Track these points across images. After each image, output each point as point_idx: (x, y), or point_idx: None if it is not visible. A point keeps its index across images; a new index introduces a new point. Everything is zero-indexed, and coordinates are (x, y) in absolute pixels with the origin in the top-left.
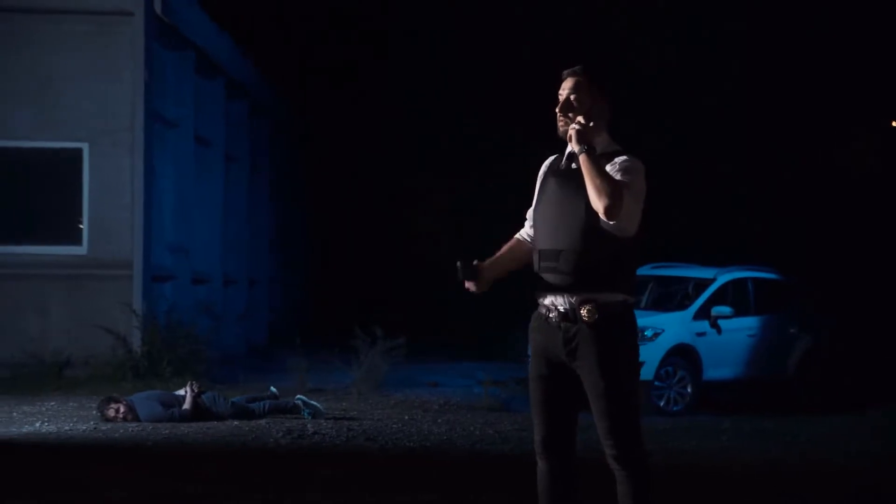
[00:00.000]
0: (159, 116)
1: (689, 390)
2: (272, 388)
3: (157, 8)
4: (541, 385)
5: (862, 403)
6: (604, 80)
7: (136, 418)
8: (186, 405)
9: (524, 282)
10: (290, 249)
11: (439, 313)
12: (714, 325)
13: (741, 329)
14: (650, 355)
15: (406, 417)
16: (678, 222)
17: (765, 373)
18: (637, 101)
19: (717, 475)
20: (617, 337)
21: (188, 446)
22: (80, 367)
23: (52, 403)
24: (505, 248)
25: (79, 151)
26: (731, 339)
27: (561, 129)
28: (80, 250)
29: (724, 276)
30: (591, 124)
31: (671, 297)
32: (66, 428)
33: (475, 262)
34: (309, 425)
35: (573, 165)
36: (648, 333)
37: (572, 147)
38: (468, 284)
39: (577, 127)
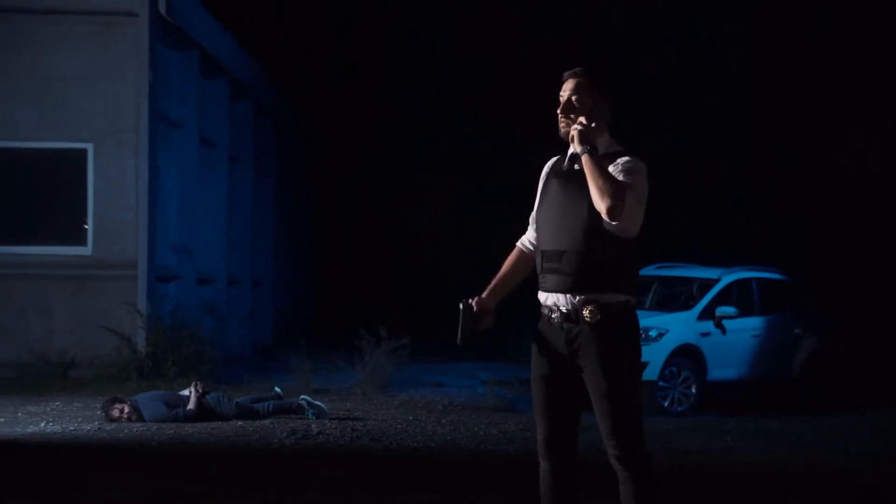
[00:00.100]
0: (163, 117)
1: (693, 390)
2: (276, 389)
3: (162, 8)
4: (543, 385)
5: (864, 403)
6: (604, 80)
7: (141, 418)
8: (191, 405)
9: (526, 282)
10: (295, 249)
11: (442, 313)
12: (718, 325)
13: (746, 329)
14: (654, 356)
15: (410, 418)
16: (678, 222)
17: (769, 373)
18: (637, 101)
19: (721, 475)
20: (619, 337)
21: (192, 446)
22: (85, 367)
23: (57, 403)
24: (507, 264)
25: (83, 152)
26: (735, 340)
27: (562, 130)
28: (85, 251)
29: (728, 277)
30: (593, 125)
31: (675, 297)
32: (71, 428)
33: (473, 301)
34: (313, 425)
35: (575, 166)
36: (653, 334)
37: (574, 148)
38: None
39: (578, 128)
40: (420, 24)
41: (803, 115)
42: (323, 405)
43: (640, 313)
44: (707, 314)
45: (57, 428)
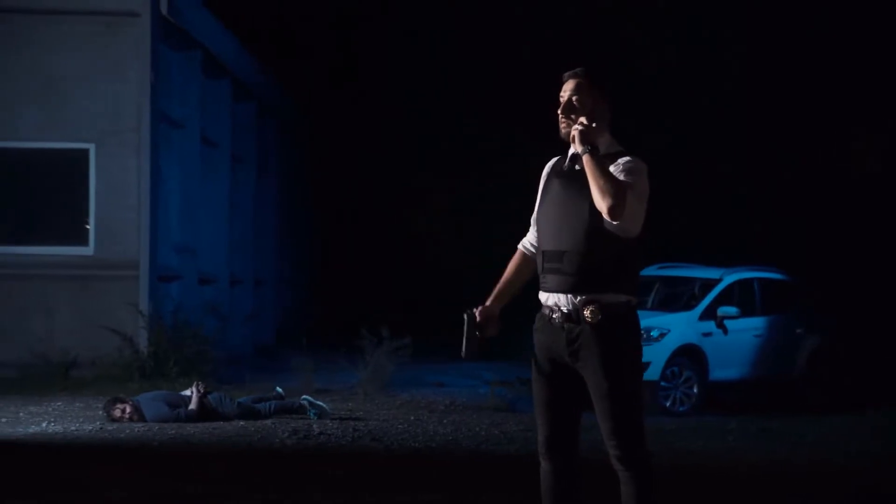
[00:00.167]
0: (165, 117)
1: (695, 391)
2: (278, 389)
3: (164, 9)
4: (544, 385)
5: (866, 403)
6: (604, 81)
7: (143, 419)
8: (192, 405)
9: (528, 282)
10: (297, 249)
11: (444, 313)
12: (720, 325)
13: (747, 329)
14: (656, 356)
15: (412, 418)
16: (678, 222)
17: (771, 373)
18: (637, 101)
19: (723, 476)
20: (620, 338)
21: (194, 447)
22: (87, 367)
23: (59, 404)
24: (510, 267)
25: (85, 152)
26: (737, 340)
27: (563, 130)
28: (87, 251)
29: (730, 277)
30: (594, 125)
31: (677, 297)
32: (73, 428)
33: (477, 311)
34: (315, 426)
35: (576, 167)
36: (654, 334)
37: (575, 148)
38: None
39: (579, 128)
40: (422, 24)
41: (803, 115)
42: (324, 405)
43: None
44: (709, 314)
45: (58, 428)
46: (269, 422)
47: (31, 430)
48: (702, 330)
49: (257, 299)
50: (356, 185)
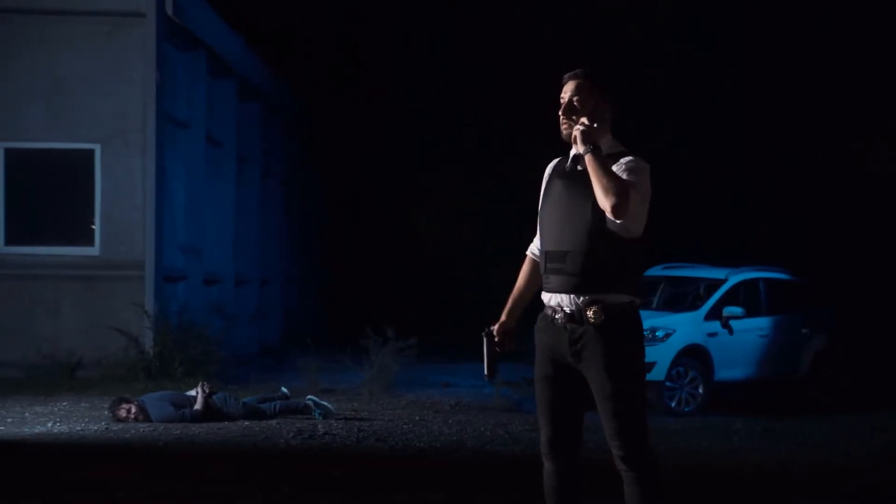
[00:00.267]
0: (171, 117)
1: (700, 391)
2: (283, 389)
3: (169, 9)
4: (547, 386)
5: (872, 403)
6: (605, 82)
7: (148, 419)
8: (198, 406)
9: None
10: (302, 249)
11: (450, 313)
12: (725, 325)
13: (753, 329)
14: (661, 356)
15: (417, 418)
16: (679, 223)
17: (777, 373)
18: (638, 101)
19: (728, 476)
20: (623, 338)
21: (199, 447)
22: (92, 367)
23: (65, 404)
24: (521, 277)
25: (91, 152)
26: (742, 340)
27: (564, 132)
28: (93, 251)
29: (735, 277)
30: (595, 125)
31: (682, 297)
32: (78, 428)
33: (494, 329)
34: (319, 426)
35: (578, 167)
36: (660, 334)
37: (577, 148)
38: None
39: (581, 128)
40: (426, 25)
41: (804, 115)
42: (329, 405)
43: (646, 313)
44: (714, 314)
45: (64, 428)
46: (273, 422)
47: (36, 430)
48: (707, 330)
49: (263, 299)
50: (361, 184)
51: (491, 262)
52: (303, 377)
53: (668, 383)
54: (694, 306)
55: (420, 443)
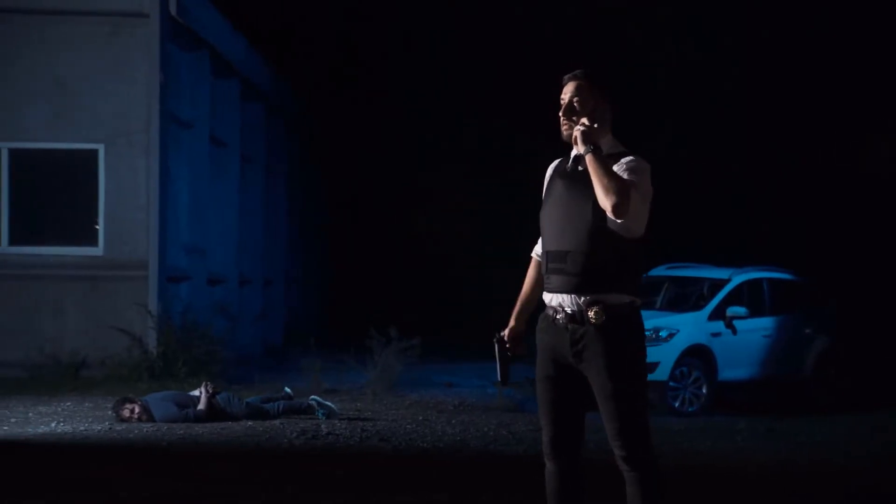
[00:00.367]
0: (174, 117)
1: (704, 391)
2: (287, 389)
3: (172, 9)
4: (548, 386)
5: (875, 403)
6: (605, 82)
7: (151, 419)
8: (201, 406)
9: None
10: (306, 249)
11: (454, 313)
12: (729, 325)
13: (756, 329)
14: (665, 356)
15: (420, 418)
16: (680, 223)
17: (780, 373)
18: (637, 101)
19: (730, 476)
20: (624, 338)
21: (202, 447)
22: (96, 367)
23: (68, 404)
24: (527, 281)
25: (94, 152)
26: (746, 340)
27: (565, 132)
28: (96, 251)
29: (739, 277)
30: (595, 125)
31: (686, 297)
32: (82, 428)
33: (505, 334)
34: (323, 426)
35: (579, 167)
36: (663, 334)
37: (578, 149)
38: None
39: (581, 128)
40: (425, 24)
41: (804, 115)
42: (333, 405)
43: (650, 313)
44: (718, 314)
45: (68, 428)
46: (277, 422)
47: (40, 430)
48: (711, 330)
49: (266, 299)
50: (362, 184)
51: (491, 262)
52: (306, 377)
53: (671, 383)
54: (697, 306)
55: (423, 443)
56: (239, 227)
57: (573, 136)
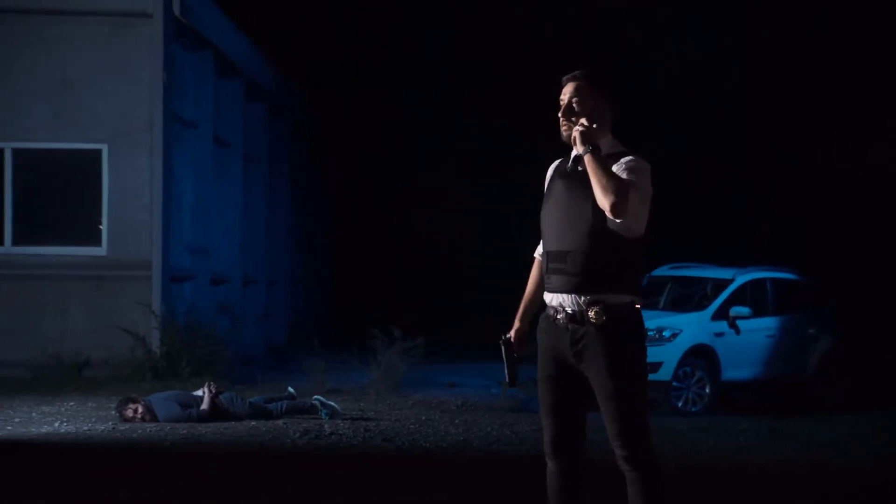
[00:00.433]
0: (178, 117)
1: (707, 391)
2: (290, 389)
3: (176, 9)
4: (549, 386)
5: (879, 403)
6: (604, 82)
7: (155, 418)
8: (204, 405)
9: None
10: (309, 249)
11: (457, 313)
12: (732, 325)
13: (760, 329)
14: (668, 356)
15: (423, 418)
16: (680, 223)
17: (784, 373)
18: (637, 101)
19: (731, 476)
20: (624, 338)
21: (205, 446)
22: (100, 367)
23: (72, 404)
24: (530, 282)
25: (98, 152)
26: (749, 340)
27: (564, 133)
28: (100, 251)
29: (742, 277)
30: (594, 126)
31: (689, 297)
32: (85, 428)
33: (511, 335)
34: (326, 426)
35: (579, 167)
36: (667, 334)
37: (577, 149)
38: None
39: (580, 128)
40: (431, 25)
41: (804, 115)
42: (336, 405)
43: (654, 313)
44: (721, 314)
45: (71, 428)
46: (280, 422)
47: (43, 430)
48: (714, 330)
49: (270, 299)
50: (368, 184)
51: (491, 262)
52: (309, 377)
53: (674, 383)
54: (701, 306)
55: (426, 443)
56: (242, 227)
57: (572, 137)
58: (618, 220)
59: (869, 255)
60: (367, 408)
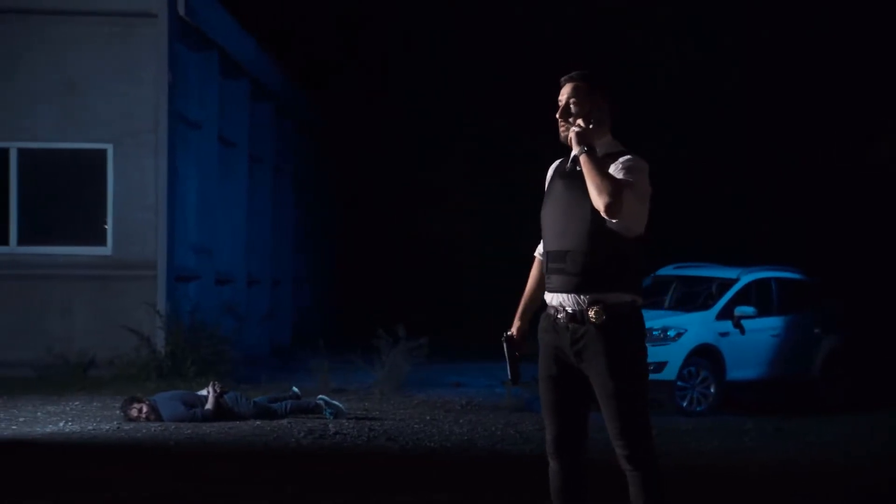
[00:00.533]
0: (183, 117)
1: (712, 391)
2: (294, 388)
3: (181, 9)
4: (551, 385)
5: (883, 403)
6: (602, 82)
7: (159, 418)
8: (209, 405)
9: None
10: (314, 249)
11: (457, 313)
12: (737, 325)
13: (765, 329)
14: (673, 355)
15: (428, 417)
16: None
17: (789, 373)
18: (637, 101)
19: (732, 476)
20: (624, 338)
21: (210, 446)
22: (105, 367)
23: (77, 403)
24: (530, 280)
25: (103, 152)
26: (754, 340)
27: (562, 134)
28: (105, 251)
29: (747, 276)
30: (591, 126)
31: (694, 297)
32: (90, 428)
33: (512, 332)
34: (330, 425)
35: (578, 168)
36: (671, 333)
37: (573, 149)
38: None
39: (576, 129)
40: (431, 25)
41: (804, 115)
42: (340, 405)
43: (658, 313)
44: (726, 314)
45: (76, 427)
46: (284, 421)
47: (48, 430)
48: (719, 330)
49: (274, 299)
50: (373, 184)
51: (491, 262)
52: (314, 377)
53: (679, 383)
54: (706, 306)
55: (430, 442)
56: (247, 228)
57: (568, 138)
58: (613, 221)
59: (868, 255)
60: (372, 407)
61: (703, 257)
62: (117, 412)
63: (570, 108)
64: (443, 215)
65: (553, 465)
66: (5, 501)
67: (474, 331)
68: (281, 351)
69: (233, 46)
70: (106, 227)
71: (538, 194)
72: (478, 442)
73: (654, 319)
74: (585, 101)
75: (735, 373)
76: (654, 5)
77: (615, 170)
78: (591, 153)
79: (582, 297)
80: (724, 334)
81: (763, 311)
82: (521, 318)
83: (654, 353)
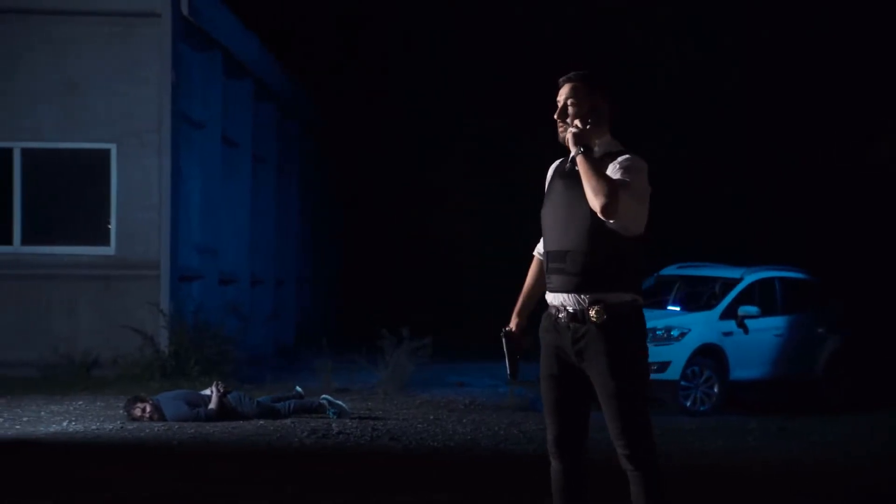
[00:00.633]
0: (186, 117)
1: (715, 390)
2: (298, 388)
3: (184, 9)
4: (552, 385)
5: (887, 403)
6: (601, 82)
7: (163, 418)
8: (212, 405)
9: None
10: (318, 249)
11: (465, 313)
12: (741, 324)
13: (768, 329)
14: (677, 355)
15: (431, 417)
16: (680, 223)
17: (792, 372)
18: (637, 101)
19: (735, 475)
20: (625, 337)
21: (213, 446)
22: (108, 366)
23: (80, 403)
24: (529, 278)
25: (106, 152)
26: (758, 339)
27: (560, 134)
28: (108, 251)
29: (750, 276)
30: (589, 127)
31: (698, 296)
32: (93, 427)
33: (509, 329)
34: (334, 425)
35: (577, 168)
36: (675, 333)
37: (570, 149)
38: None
39: (573, 130)
40: (431, 25)
41: (804, 115)
42: (344, 404)
43: (662, 312)
44: (729, 314)
45: (79, 427)
46: (288, 421)
47: (52, 429)
48: (722, 329)
49: (278, 299)
50: (376, 184)
51: (491, 262)
52: (317, 377)
53: (683, 382)
54: (709, 305)
55: (434, 442)
56: (251, 227)
57: (566, 138)
58: (610, 221)
59: (868, 255)
60: (375, 407)
61: (704, 257)
62: (121, 412)
63: (567, 109)
64: (443, 215)
65: (554, 464)
66: (9, 501)
67: (475, 331)
68: (284, 351)
69: (236, 46)
70: (109, 226)
71: (538, 194)
72: (481, 442)
73: (658, 319)
74: (583, 102)
75: (738, 372)
76: (654, 5)
77: (613, 169)
78: (587, 154)
79: (582, 296)
80: (727, 334)
81: (767, 311)
82: (520, 314)
83: (658, 353)
